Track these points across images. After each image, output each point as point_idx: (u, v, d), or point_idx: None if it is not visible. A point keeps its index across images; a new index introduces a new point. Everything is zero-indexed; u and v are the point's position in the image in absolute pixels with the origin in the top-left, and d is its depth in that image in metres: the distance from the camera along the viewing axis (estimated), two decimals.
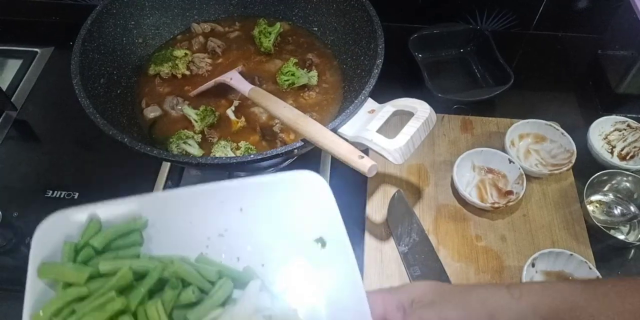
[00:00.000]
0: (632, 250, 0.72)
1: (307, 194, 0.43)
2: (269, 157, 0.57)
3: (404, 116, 0.59)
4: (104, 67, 0.70)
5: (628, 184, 0.76)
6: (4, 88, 0.88)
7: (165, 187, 0.76)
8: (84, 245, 0.39)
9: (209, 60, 0.80)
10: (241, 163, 0.57)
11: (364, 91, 0.62)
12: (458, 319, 0.40)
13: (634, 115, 0.84)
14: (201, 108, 0.71)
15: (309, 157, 0.78)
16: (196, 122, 0.71)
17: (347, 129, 0.60)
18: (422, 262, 0.68)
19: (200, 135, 0.71)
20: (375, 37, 0.68)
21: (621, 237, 0.72)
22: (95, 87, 0.66)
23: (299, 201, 0.43)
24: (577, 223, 0.74)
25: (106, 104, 0.67)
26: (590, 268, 0.65)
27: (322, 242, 0.42)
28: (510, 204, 0.72)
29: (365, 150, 0.56)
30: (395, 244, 0.71)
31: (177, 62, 0.77)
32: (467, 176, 0.77)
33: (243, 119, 0.73)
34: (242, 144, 0.68)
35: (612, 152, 0.81)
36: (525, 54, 0.97)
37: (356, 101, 0.61)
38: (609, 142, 0.82)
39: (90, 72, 0.66)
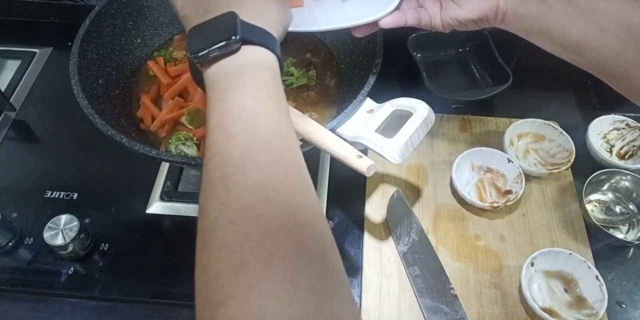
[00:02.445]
0: (631, 249, 0.72)
1: None
2: None
3: (403, 116, 0.59)
4: (102, 68, 0.70)
5: (627, 183, 0.76)
6: (3, 88, 0.88)
7: (164, 188, 0.76)
8: None
9: None
10: None
11: (362, 91, 0.62)
12: None
13: (632, 115, 0.84)
14: None
15: (307, 156, 0.78)
16: None
17: (346, 128, 0.60)
18: (422, 261, 0.68)
19: None
20: (374, 36, 0.68)
21: (620, 236, 0.72)
22: (93, 87, 0.66)
23: None
24: (576, 222, 0.74)
25: (105, 104, 0.67)
26: (589, 267, 0.65)
27: None
28: (509, 203, 0.72)
29: (364, 150, 0.56)
30: (395, 243, 0.71)
31: (176, 62, 0.77)
32: (466, 176, 0.77)
33: None
34: None
35: (610, 151, 0.81)
36: (523, 53, 0.97)
37: (355, 101, 0.61)
38: (607, 141, 0.82)
39: (89, 72, 0.66)
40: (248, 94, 0.38)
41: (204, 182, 0.35)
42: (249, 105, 0.37)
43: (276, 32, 0.43)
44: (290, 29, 0.55)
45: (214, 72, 0.40)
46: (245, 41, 0.40)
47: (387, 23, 0.53)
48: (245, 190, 0.33)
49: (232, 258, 0.30)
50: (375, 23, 0.53)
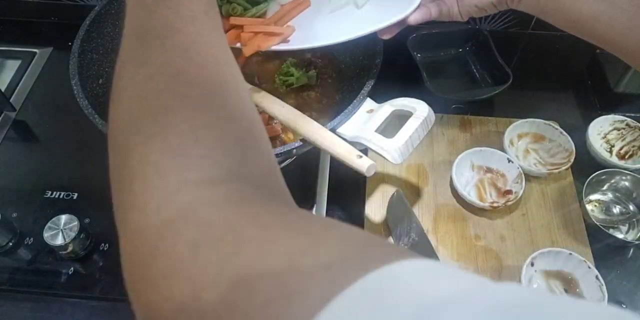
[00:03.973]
0: (631, 249, 0.72)
1: None
2: None
3: (403, 116, 0.59)
4: (102, 68, 0.70)
5: (627, 183, 0.76)
6: (3, 89, 0.88)
7: None
8: None
9: None
10: None
11: (362, 91, 0.62)
12: None
13: (632, 115, 0.84)
14: None
15: (307, 157, 0.78)
16: None
17: (346, 128, 0.60)
18: None
19: None
20: (374, 36, 0.68)
21: (620, 236, 0.72)
22: (93, 87, 0.66)
23: None
24: (576, 222, 0.74)
25: (105, 104, 0.66)
26: (589, 267, 0.65)
27: None
28: (509, 203, 0.72)
29: (364, 150, 0.56)
30: (395, 243, 0.71)
31: None
32: (466, 176, 0.77)
33: None
34: None
35: (610, 151, 0.81)
36: (523, 53, 0.97)
37: (355, 101, 0.61)
38: (607, 141, 0.82)
39: (89, 72, 0.66)
40: None
41: (121, 53, 0.33)
42: None
43: None
44: (318, 44, 0.56)
45: None
46: None
47: (416, 19, 0.54)
48: (167, 52, 0.31)
49: (152, 104, 0.29)
50: (400, 22, 0.54)
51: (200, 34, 0.33)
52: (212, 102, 0.30)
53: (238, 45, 0.57)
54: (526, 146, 0.81)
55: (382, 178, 0.78)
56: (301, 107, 0.73)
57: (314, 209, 0.74)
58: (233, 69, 0.34)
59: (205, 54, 0.32)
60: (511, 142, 0.80)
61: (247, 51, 0.56)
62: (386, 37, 0.56)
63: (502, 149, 0.77)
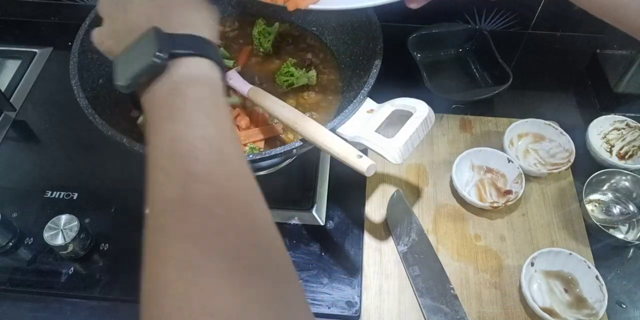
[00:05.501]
0: (631, 249, 0.72)
1: None
2: (268, 157, 0.57)
3: (403, 116, 0.59)
4: (102, 68, 0.69)
5: (627, 183, 0.76)
6: (3, 88, 0.88)
7: None
8: None
9: None
10: None
11: (362, 91, 0.62)
12: None
13: (632, 115, 0.84)
14: None
15: (307, 157, 0.78)
16: None
17: (346, 128, 0.60)
18: (422, 261, 0.68)
19: None
20: (374, 36, 0.68)
21: (620, 236, 0.72)
22: (94, 87, 0.66)
23: None
24: (576, 222, 0.74)
25: (105, 104, 0.67)
26: (589, 267, 0.65)
27: None
28: (509, 203, 0.72)
29: (364, 150, 0.56)
30: (395, 243, 0.71)
31: None
32: (466, 176, 0.77)
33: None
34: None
35: (610, 152, 0.81)
36: (524, 53, 0.97)
37: (355, 101, 0.61)
38: (607, 142, 0.82)
39: (89, 72, 0.66)
40: (181, 120, 0.35)
41: (149, 223, 0.34)
42: (183, 134, 0.34)
43: (209, 29, 0.40)
44: (348, 6, 0.53)
45: (146, 100, 0.37)
46: (174, 55, 0.36)
47: None
48: (183, 239, 0.31)
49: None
50: None
51: (216, 197, 0.33)
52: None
53: (280, 3, 0.56)
54: (526, 146, 0.81)
55: (382, 178, 0.78)
56: (302, 107, 0.73)
57: (314, 209, 0.74)
58: (255, 216, 0.33)
59: (224, 221, 0.32)
60: (511, 142, 0.80)
61: (291, 6, 0.55)
62: (414, 6, 0.53)
63: (502, 149, 0.77)
